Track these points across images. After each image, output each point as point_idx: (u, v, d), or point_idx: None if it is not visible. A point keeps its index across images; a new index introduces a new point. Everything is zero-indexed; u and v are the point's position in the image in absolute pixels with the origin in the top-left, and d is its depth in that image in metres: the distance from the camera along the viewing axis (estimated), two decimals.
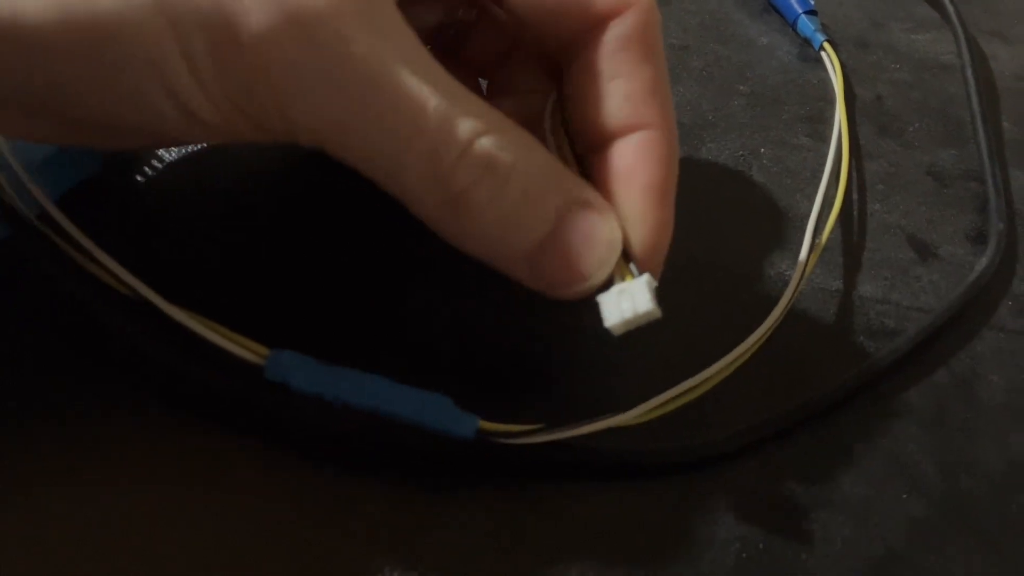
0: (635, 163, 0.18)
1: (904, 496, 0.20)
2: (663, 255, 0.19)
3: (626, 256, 0.18)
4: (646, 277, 0.17)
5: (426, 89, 0.15)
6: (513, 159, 0.16)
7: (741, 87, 0.31)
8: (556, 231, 0.17)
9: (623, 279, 0.17)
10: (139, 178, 0.24)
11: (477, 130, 0.16)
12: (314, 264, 0.23)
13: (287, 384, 0.17)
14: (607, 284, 0.17)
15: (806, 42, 0.33)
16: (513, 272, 0.18)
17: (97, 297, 0.18)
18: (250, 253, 0.22)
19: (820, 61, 0.32)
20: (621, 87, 0.18)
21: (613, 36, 0.18)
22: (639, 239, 0.18)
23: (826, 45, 0.32)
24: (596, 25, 0.18)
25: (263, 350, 0.18)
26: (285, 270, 0.22)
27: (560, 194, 0.17)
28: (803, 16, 0.33)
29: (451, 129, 0.16)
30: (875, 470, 0.21)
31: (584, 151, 0.19)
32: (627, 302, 0.17)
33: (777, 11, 0.34)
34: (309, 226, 0.23)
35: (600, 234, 0.17)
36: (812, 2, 0.33)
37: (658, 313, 0.16)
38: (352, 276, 0.22)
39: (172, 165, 0.24)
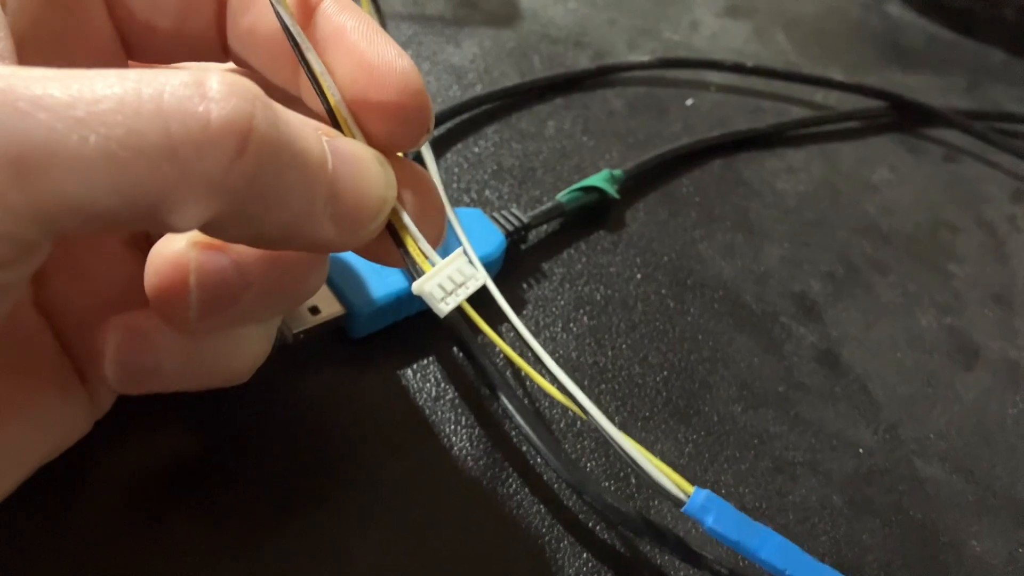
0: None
1: None
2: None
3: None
4: (457, 252, 0.17)
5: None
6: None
7: None
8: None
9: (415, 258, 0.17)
10: None
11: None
12: None
13: (701, 522, 0.19)
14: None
15: None
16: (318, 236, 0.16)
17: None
18: None
19: None
20: None
21: None
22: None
23: None
24: None
25: (688, 487, 0.19)
26: None
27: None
28: None
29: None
30: None
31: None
32: (449, 280, 0.17)
33: None
34: None
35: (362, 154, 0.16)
36: None
37: (483, 277, 0.18)
38: None
39: None
